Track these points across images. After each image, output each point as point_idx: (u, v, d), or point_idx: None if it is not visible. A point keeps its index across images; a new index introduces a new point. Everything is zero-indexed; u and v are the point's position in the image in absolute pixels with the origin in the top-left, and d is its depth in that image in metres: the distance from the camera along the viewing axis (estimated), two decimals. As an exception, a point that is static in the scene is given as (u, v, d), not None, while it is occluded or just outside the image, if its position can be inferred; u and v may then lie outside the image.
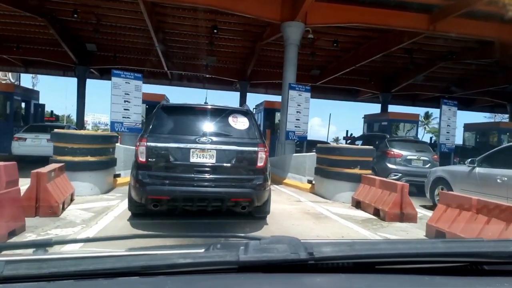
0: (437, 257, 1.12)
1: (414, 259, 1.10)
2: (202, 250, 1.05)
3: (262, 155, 5.73)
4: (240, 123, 5.93)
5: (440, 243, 1.28)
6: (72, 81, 24.10)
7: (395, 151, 11.87)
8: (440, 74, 23.30)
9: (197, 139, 5.59)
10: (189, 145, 5.55)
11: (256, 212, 6.30)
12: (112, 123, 12.25)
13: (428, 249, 1.13)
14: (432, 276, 1.04)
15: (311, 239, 1.11)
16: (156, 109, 6.13)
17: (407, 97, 27.85)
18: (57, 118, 24.45)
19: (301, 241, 1.04)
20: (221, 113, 6.00)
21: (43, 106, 21.77)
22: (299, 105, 13.32)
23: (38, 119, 19.90)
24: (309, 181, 10.69)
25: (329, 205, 8.64)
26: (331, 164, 9.32)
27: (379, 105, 26.99)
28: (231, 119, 5.93)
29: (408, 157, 11.87)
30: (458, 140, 20.97)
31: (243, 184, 5.63)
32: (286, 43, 14.58)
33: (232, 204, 5.75)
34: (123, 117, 12.35)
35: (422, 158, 11.99)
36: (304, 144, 14.48)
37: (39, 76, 61.38)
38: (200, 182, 5.53)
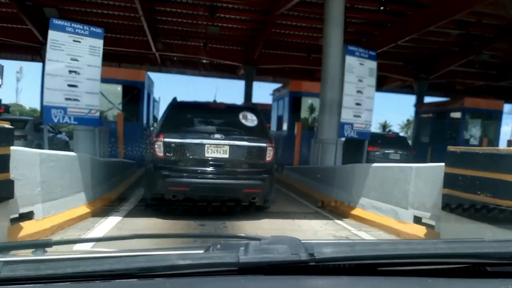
0: (438, 258, 1.02)
1: (415, 260, 1.01)
2: (202, 251, 0.98)
3: (270, 151, 5.79)
4: (249, 120, 5.97)
5: (441, 243, 1.16)
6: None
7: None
8: (487, 58, 17.81)
9: (211, 135, 5.68)
10: (204, 141, 5.61)
11: (262, 202, 6.04)
12: (47, 108, 6.60)
13: (429, 250, 1.04)
14: (435, 278, 0.96)
15: (311, 240, 1.00)
16: (168, 106, 6.22)
17: (440, 86, 22.31)
18: (6, 109, 18.57)
19: (302, 241, 0.95)
20: (232, 111, 6.20)
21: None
22: (361, 81, 7.78)
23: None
24: (417, 220, 5.08)
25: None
26: (505, 192, 3.76)
27: (408, 96, 21.51)
28: (241, 117, 5.97)
29: (386, 151, 11.72)
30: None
31: (253, 177, 5.72)
32: (328, -6, 9.08)
33: (243, 195, 5.74)
34: (66, 98, 6.70)
35: (399, 152, 11.77)
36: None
37: (24, 71, 55.28)
38: (214, 174, 5.63)
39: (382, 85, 23.19)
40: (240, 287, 0.90)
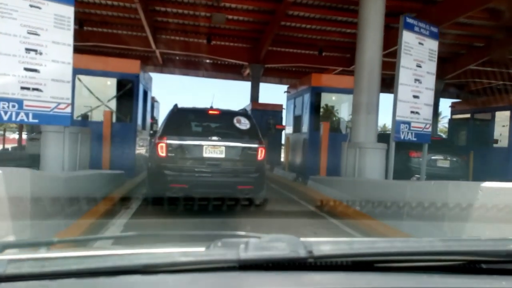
0: (435, 255, 1.00)
1: (412, 257, 1.00)
2: (203, 249, 0.94)
3: (261, 151, 6.14)
4: (243, 124, 6.32)
5: (438, 241, 1.07)
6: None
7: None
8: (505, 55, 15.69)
9: (209, 137, 6.05)
10: (202, 142, 5.96)
11: (256, 198, 6.31)
12: (-7, 101, 4.49)
13: (426, 247, 1.01)
14: (430, 274, 0.95)
15: (310, 238, 0.96)
16: (170, 111, 6.43)
17: (453, 87, 20.26)
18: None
19: (301, 239, 0.93)
20: (227, 115, 6.50)
21: None
22: (419, 66, 5.68)
23: None
24: None
25: None
26: None
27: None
28: (235, 121, 6.31)
29: (433, 158, 9.76)
30: None
31: (247, 174, 6.08)
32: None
33: (238, 191, 5.99)
34: (22, 87, 4.61)
35: (448, 158, 10.00)
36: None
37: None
38: (212, 173, 5.97)
39: (390, 87, 21.11)
40: (240, 282, 0.89)
